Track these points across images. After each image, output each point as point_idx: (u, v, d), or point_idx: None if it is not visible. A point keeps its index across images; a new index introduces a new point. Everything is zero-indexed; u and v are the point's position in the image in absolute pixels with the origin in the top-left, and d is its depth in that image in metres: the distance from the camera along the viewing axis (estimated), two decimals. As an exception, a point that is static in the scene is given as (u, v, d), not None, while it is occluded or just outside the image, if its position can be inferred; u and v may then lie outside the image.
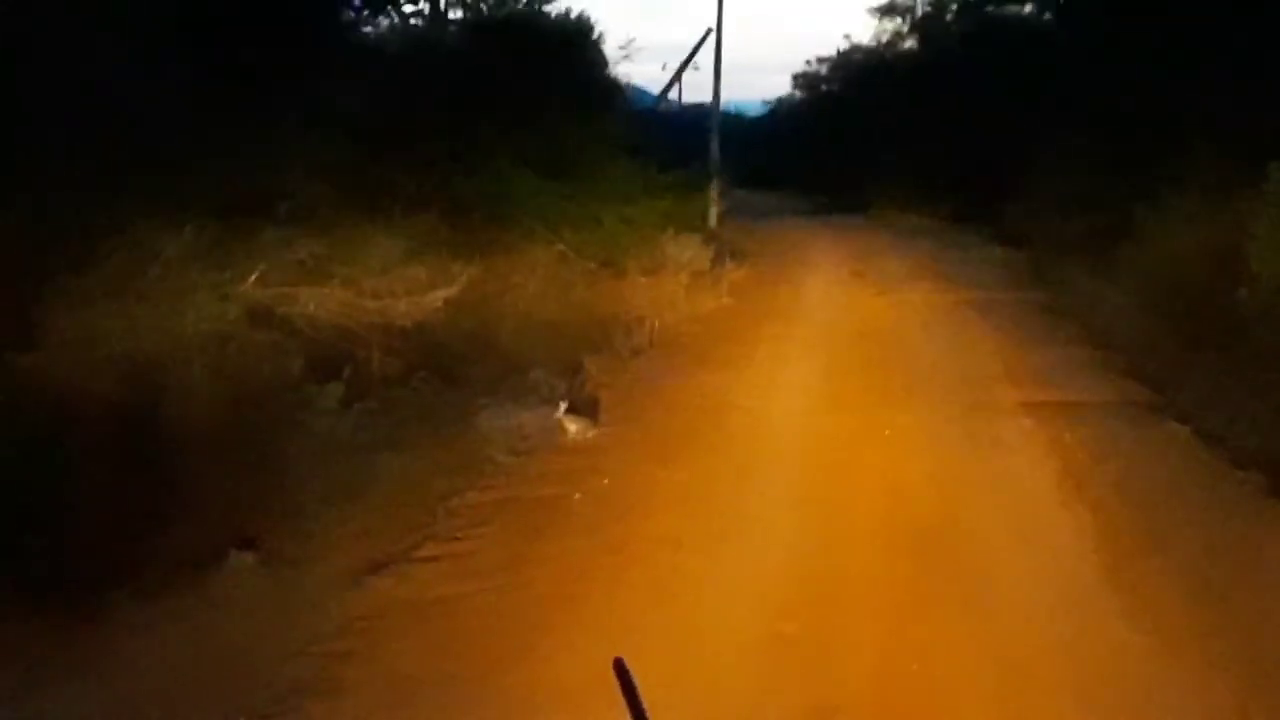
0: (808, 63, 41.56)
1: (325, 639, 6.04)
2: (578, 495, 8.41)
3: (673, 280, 16.14)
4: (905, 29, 36.39)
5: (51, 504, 6.31)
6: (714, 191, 21.79)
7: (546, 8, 18.32)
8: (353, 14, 14.72)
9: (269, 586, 6.67)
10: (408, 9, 16.29)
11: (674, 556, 7.26)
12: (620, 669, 1.65)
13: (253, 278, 8.81)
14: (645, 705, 1.63)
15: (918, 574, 7.04)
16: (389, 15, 15.89)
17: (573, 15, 18.41)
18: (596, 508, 8.19)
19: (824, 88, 40.93)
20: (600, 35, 19.07)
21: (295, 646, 5.95)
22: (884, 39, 36.98)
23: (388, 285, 10.11)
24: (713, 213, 21.51)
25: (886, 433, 10.07)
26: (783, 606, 6.51)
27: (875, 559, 7.28)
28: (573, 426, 9.99)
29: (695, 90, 28.54)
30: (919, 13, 35.72)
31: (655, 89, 27.78)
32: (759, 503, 8.34)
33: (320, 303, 9.41)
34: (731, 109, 29.45)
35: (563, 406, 10.22)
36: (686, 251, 17.36)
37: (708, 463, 9.28)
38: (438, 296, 10.56)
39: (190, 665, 5.80)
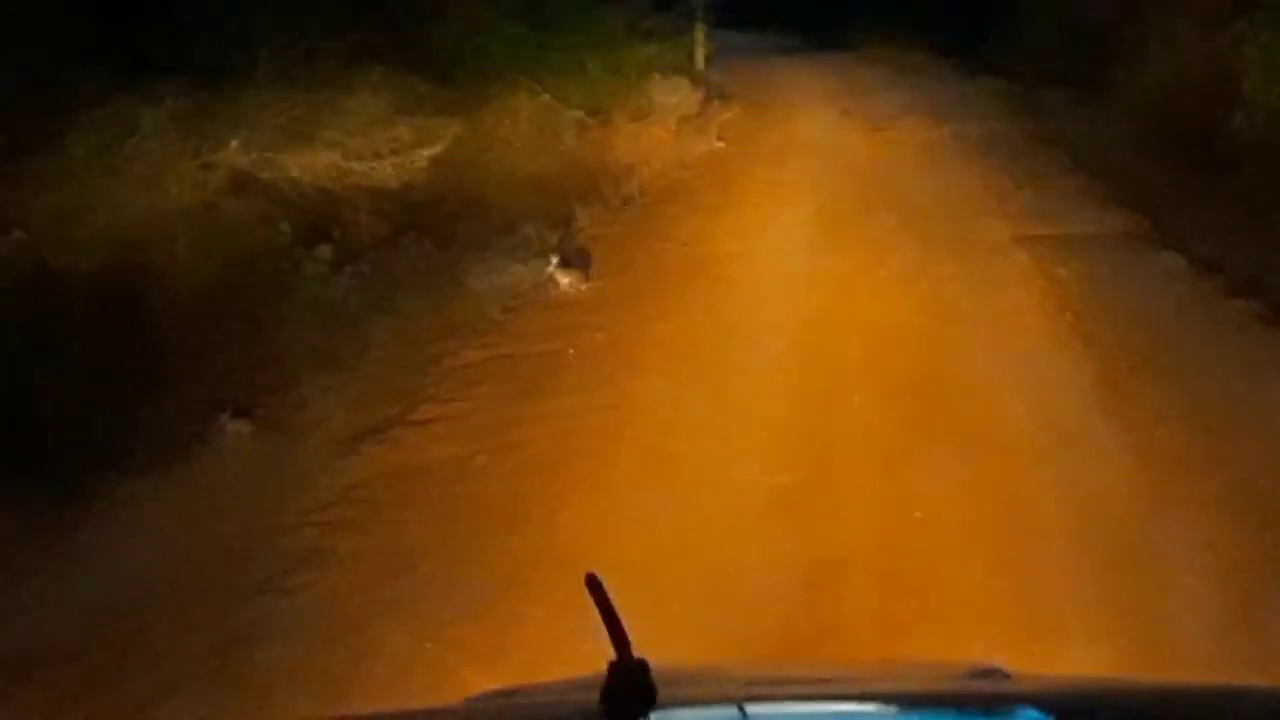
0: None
1: (323, 508, 6.05)
2: (571, 350, 8.37)
3: (661, 126, 15.95)
4: None
5: (35, 388, 6.27)
6: (699, 34, 21.42)
7: None
8: None
9: (265, 455, 6.69)
10: None
11: (669, 412, 7.26)
12: (593, 584, 1.60)
13: (234, 144, 8.70)
14: (621, 619, 1.58)
15: (915, 417, 7.02)
16: None
17: None
18: (591, 362, 8.15)
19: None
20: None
21: (293, 517, 5.97)
22: None
23: (372, 146, 10.00)
24: (699, 56, 21.16)
25: (880, 273, 9.98)
26: (779, 460, 6.50)
27: (871, 405, 7.26)
28: (564, 280, 9.89)
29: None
30: None
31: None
32: (752, 352, 8.31)
33: (304, 167, 9.30)
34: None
35: (554, 260, 10.11)
36: (674, 96, 17.15)
37: (701, 311, 9.22)
38: (423, 155, 10.45)
39: (187, 536, 5.82)
